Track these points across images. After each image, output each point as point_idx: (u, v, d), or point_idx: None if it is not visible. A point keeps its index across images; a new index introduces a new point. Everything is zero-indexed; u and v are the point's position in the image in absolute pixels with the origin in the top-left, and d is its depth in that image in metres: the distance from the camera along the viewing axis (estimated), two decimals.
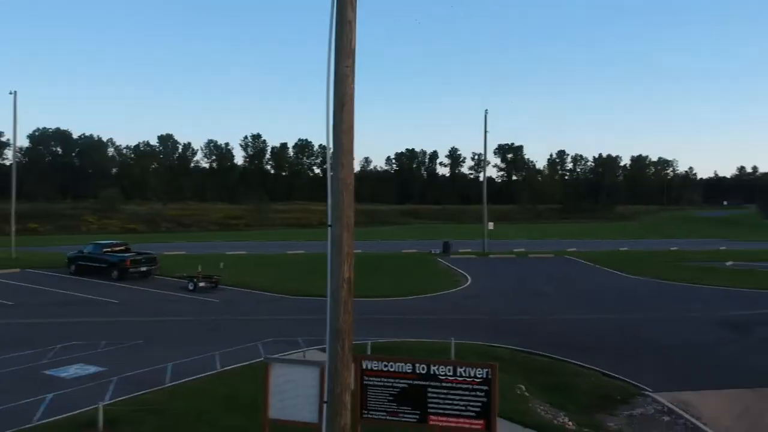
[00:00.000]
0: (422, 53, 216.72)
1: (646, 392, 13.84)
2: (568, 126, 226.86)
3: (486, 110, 49.83)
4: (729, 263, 38.56)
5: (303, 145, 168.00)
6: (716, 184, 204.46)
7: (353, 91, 7.19)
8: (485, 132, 48.21)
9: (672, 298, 26.52)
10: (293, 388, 9.18)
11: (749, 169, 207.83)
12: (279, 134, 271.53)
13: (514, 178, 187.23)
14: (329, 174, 7.17)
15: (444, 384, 8.76)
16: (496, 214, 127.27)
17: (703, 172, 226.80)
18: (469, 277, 31.74)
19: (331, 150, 7.13)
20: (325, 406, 7.32)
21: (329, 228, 7.15)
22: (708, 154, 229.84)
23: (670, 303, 25.30)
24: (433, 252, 44.77)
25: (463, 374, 8.70)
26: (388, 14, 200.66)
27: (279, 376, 9.23)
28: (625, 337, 19.16)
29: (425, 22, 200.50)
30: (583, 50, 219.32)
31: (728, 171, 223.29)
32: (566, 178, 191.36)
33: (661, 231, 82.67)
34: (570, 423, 11.92)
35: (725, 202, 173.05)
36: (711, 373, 15.33)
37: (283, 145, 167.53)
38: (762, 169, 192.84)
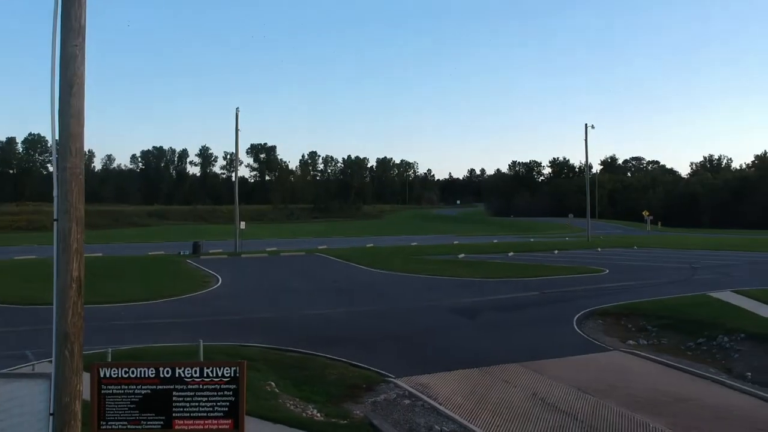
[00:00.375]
0: (172, 48, 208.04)
1: (389, 378, 14.55)
2: (320, 127, 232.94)
3: (237, 108, 49.25)
4: (461, 256, 42.46)
5: (34, 140, 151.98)
6: (451, 184, 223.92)
7: (84, 72, 6.56)
8: (236, 130, 47.68)
9: (413, 289, 28.46)
10: (18, 406, 8.14)
11: (478, 171, 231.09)
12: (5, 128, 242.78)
13: (267, 178, 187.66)
14: (55, 161, 6.45)
15: (190, 386, 8.37)
16: (250, 214, 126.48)
17: (440, 174, 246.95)
18: (219, 278, 31.09)
19: (57, 136, 6.43)
20: (51, 418, 6.59)
21: (55, 222, 6.45)
22: (444, 158, 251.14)
23: (411, 293, 27.16)
24: (182, 253, 43.14)
25: (211, 375, 8.40)
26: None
27: (0, 395, 8.14)
28: (371, 328, 20.11)
29: (172, 14, 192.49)
30: (336, 53, 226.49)
31: (461, 173, 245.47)
32: (318, 178, 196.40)
33: (402, 228, 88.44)
34: (318, 414, 12.13)
35: (458, 201, 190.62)
36: (445, 355, 16.61)
37: (11, 140, 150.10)
38: (488, 172, 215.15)
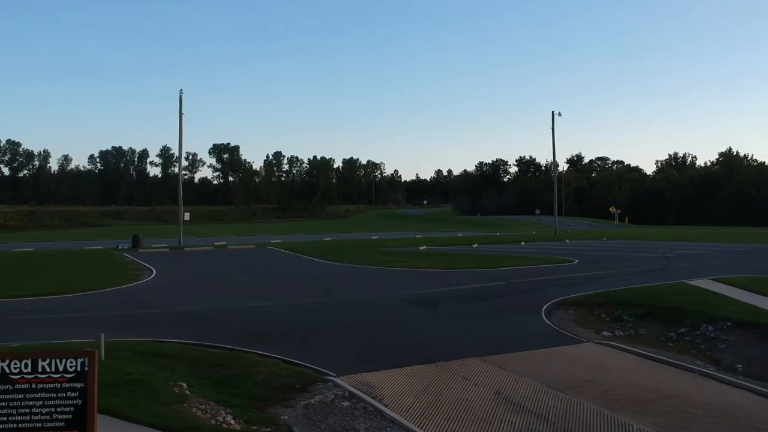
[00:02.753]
0: (132, 44, 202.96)
1: (329, 377, 12.38)
2: (285, 127, 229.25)
3: (181, 90, 46.61)
4: (422, 248, 40.38)
5: None
6: (418, 185, 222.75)
7: None
8: (180, 114, 45.28)
9: (366, 280, 26.34)
10: None
11: (445, 173, 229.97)
12: None
13: (231, 179, 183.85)
14: None
15: (19, 387, 6.07)
16: (210, 214, 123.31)
17: (407, 175, 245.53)
18: (154, 270, 28.60)
19: None
20: None
21: None
22: (411, 159, 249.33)
23: (363, 284, 25.01)
24: (120, 247, 40.57)
25: (48, 370, 6.10)
26: None
27: None
28: (313, 321, 17.87)
29: (135, 7, 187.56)
30: (301, 53, 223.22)
31: (428, 174, 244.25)
32: (283, 179, 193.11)
33: (367, 226, 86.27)
34: (233, 421, 9.85)
35: (425, 201, 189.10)
36: (396, 350, 14.50)
37: None
38: (455, 173, 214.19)
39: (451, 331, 16.65)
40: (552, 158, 73.44)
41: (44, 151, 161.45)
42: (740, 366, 13.59)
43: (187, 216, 46.09)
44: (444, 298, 21.42)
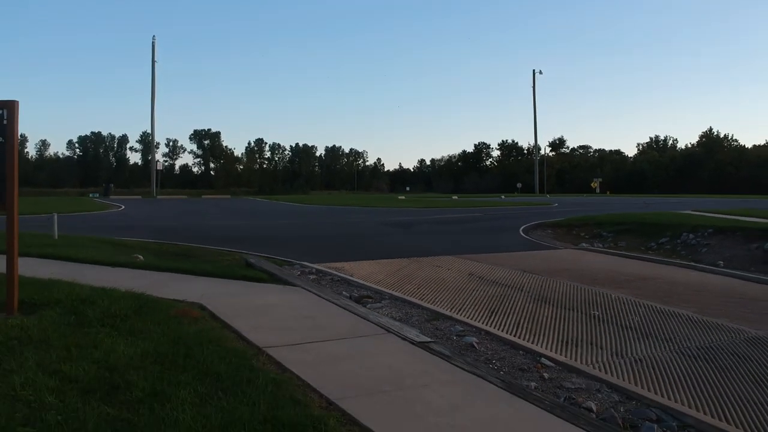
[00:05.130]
0: (113, 28, 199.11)
1: (299, 262, 11.85)
2: (266, 114, 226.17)
3: (154, 36, 45.70)
4: (401, 197, 40.15)
5: None
6: (401, 174, 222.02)
7: None
8: (152, 62, 44.38)
9: (346, 213, 26.23)
10: None
11: (428, 162, 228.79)
12: None
13: (212, 165, 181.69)
14: None
15: None
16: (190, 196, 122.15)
17: (390, 164, 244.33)
18: (123, 206, 28.21)
19: None
20: None
21: None
22: (394, 148, 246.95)
23: (345, 216, 24.87)
24: (91, 196, 40.36)
25: None
26: None
27: None
28: (294, 235, 17.39)
29: None
30: (282, 41, 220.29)
31: (411, 163, 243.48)
32: (265, 166, 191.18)
33: (351, 200, 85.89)
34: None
35: (408, 188, 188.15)
36: (372, 251, 14.04)
37: None
38: (438, 161, 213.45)
39: (426, 241, 16.23)
40: (534, 119, 72.89)
41: (21, 136, 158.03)
42: (721, 262, 13.26)
43: (159, 164, 45.30)
44: (422, 223, 21.03)
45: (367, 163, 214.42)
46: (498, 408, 4.57)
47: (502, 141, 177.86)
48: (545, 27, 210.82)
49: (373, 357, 5.64)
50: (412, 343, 6.10)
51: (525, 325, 7.55)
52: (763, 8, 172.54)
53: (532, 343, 6.85)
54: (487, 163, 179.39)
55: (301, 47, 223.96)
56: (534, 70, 61.18)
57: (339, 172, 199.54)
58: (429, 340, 6.32)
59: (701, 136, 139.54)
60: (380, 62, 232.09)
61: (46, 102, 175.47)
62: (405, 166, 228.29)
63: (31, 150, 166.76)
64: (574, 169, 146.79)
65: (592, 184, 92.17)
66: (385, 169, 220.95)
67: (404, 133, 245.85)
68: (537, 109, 59.87)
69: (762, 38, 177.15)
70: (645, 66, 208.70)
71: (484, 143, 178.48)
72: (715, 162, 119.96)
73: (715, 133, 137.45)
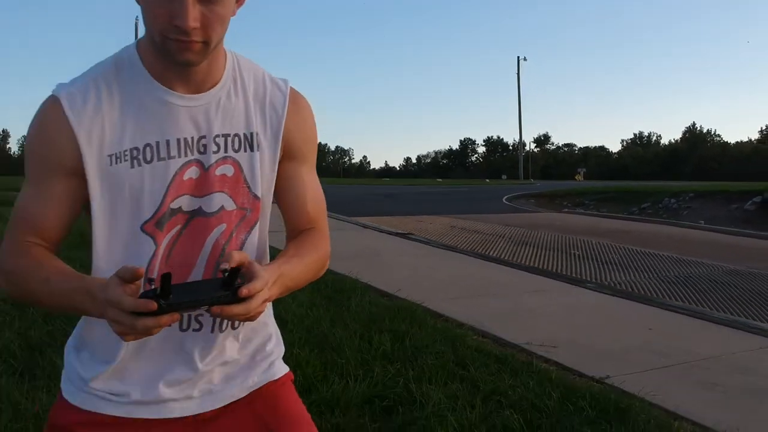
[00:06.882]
0: (73, 27, 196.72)
1: None
2: None
3: (137, 17, 45.14)
4: (386, 178, 39.98)
5: None
6: (387, 172, 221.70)
7: None
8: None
9: (335, 186, 25.85)
10: None
11: (414, 160, 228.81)
12: None
13: None
14: None
15: None
16: None
17: (376, 162, 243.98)
18: None
19: None
20: None
21: None
22: (380, 146, 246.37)
23: (333, 189, 24.45)
24: None
25: None
26: None
27: None
28: None
29: None
30: (267, 35, 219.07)
31: (397, 162, 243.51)
32: None
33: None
34: None
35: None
36: (357, 212, 13.87)
37: None
38: (423, 159, 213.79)
39: (409, 207, 16.13)
40: (518, 107, 73.08)
41: (3, 131, 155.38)
42: (702, 221, 13.29)
43: None
44: (406, 194, 20.93)
45: (353, 161, 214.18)
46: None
47: (488, 137, 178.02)
48: (530, 24, 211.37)
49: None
50: (390, 234, 6.04)
51: (505, 258, 7.52)
52: (744, 6, 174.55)
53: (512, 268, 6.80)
54: (473, 159, 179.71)
55: (284, 45, 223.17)
56: (519, 57, 61.25)
57: (324, 170, 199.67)
58: (407, 232, 6.27)
59: (684, 132, 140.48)
60: (367, 60, 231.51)
61: (28, 95, 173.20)
62: (391, 164, 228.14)
63: (13, 146, 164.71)
64: (559, 165, 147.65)
65: (576, 177, 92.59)
66: (371, 167, 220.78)
67: (390, 131, 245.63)
68: (522, 103, 59.84)
69: (744, 36, 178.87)
70: (630, 63, 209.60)
71: (470, 139, 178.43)
72: (698, 157, 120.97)
73: (699, 129, 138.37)
